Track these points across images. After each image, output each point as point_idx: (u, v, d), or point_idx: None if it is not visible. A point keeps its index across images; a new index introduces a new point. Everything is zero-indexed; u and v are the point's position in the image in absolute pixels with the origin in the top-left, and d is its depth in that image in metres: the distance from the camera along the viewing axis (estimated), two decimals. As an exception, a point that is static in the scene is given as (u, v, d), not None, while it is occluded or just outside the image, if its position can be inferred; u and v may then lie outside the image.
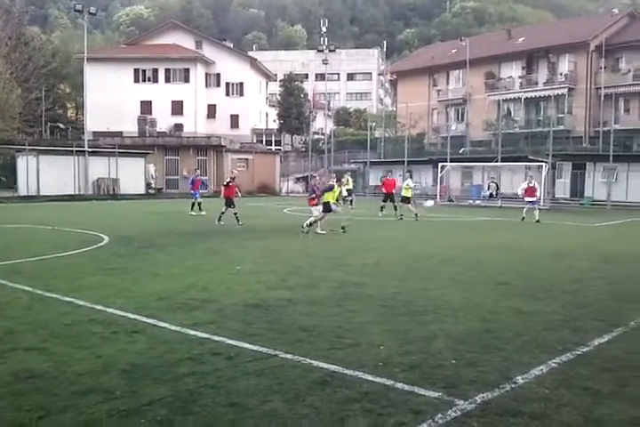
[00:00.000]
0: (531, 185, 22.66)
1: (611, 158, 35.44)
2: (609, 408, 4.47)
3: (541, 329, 6.69)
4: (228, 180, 21.05)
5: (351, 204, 27.33)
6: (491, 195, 36.06)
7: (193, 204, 24.47)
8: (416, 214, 22.55)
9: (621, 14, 51.42)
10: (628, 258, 12.80)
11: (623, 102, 46.80)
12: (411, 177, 26.67)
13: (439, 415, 4.27)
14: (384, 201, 24.99)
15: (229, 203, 20.18)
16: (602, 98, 44.41)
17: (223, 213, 20.05)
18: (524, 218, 22.36)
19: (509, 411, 4.38)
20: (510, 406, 4.47)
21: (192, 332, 6.36)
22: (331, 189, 17.76)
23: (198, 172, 30.16)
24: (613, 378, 5.13)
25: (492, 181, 36.30)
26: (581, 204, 36.60)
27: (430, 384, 4.89)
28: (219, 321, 6.83)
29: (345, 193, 27.25)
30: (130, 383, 4.85)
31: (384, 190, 25.34)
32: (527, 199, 22.59)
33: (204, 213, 23.68)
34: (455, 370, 5.27)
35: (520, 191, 23.36)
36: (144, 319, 6.87)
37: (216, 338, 6.13)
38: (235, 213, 19.79)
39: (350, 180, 28.25)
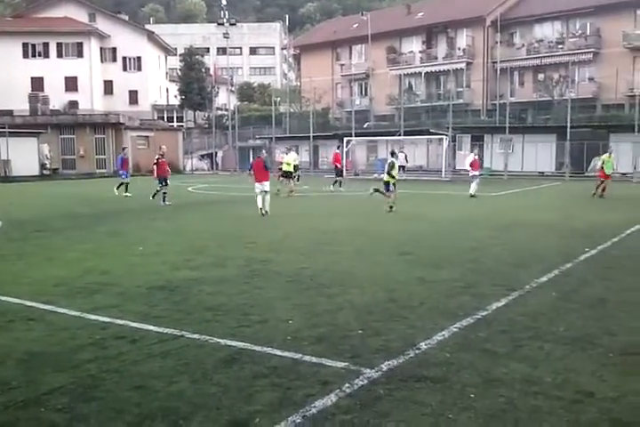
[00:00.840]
0: (476, 157, 22.24)
1: (507, 130, 36.94)
2: (506, 368, 4.69)
3: (443, 296, 6.93)
4: (157, 157, 19.75)
5: (298, 180, 27.05)
6: (401, 167, 35.18)
7: (121, 184, 22.88)
8: (291, 191, 22.06)
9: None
10: (523, 225, 13.44)
11: (518, 76, 48.72)
12: (292, 151, 25.19)
13: (346, 385, 4.35)
14: (337, 175, 25.47)
15: (162, 180, 19.17)
16: (498, 72, 46.01)
17: (165, 192, 19.02)
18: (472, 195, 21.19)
19: (413, 376, 4.52)
20: (414, 372, 4.61)
21: (93, 316, 6.15)
22: (391, 166, 16.73)
23: (127, 150, 27.65)
24: (509, 339, 5.38)
25: (401, 151, 36.23)
26: (481, 174, 37.98)
27: (337, 355, 4.96)
28: (121, 304, 6.63)
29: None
30: (27, 373, 4.65)
31: (337, 165, 25.82)
32: (472, 173, 21.83)
33: (129, 194, 22.41)
34: (361, 340, 5.37)
35: (468, 166, 22.19)
36: (41, 306, 6.57)
37: (119, 322, 5.96)
38: (164, 193, 18.94)
39: (294, 154, 26.92)
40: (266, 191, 15.85)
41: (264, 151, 17.80)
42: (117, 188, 23.02)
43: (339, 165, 25.98)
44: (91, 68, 54.54)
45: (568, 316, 6.14)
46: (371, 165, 42.92)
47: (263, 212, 15.66)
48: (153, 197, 19.51)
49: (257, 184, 15.94)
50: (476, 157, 22.39)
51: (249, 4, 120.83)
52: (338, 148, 27.86)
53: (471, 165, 21.81)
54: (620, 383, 4.38)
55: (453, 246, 10.55)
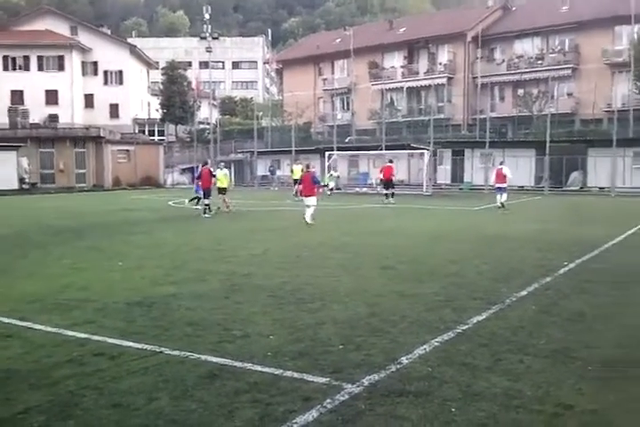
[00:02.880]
0: (501, 170, 22.41)
1: (487, 145, 37.28)
2: (486, 382, 4.70)
3: (424, 310, 6.94)
4: (200, 170, 21.05)
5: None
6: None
7: (196, 197, 23.20)
8: (228, 206, 21.32)
9: (495, 6, 53.99)
10: (503, 239, 13.54)
11: (498, 91, 49.31)
12: (226, 167, 24.04)
13: (328, 400, 4.32)
14: (385, 188, 26.13)
15: (208, 193, 20.15)
16: (478, 87, 46.54)
17: (208, 204, 19.97)
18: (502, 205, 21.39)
19: (395, 391, 4.51)
20: (396, 386, 4.60)
21: (71, 333, 6.06)
22: None
23: (209, 163, 28.05)
24: (490, 353, 5.40)
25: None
26: (461, 189, 38.32)
27: (319, 370, 4.94)
28: (99, 321, 6.55)
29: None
30: (3, 391, 4.58)
31: (383, 177, 26.48)
32: (498, 186, 22.06)
33: (200, 207, 22.84)
34: (343, 355, 5.35)
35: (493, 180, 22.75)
36: (18, 323, 6.46)
37: (97, 338, 5.88)
38: (206, 205, 19.94)
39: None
40: (308, 205, 16.39)
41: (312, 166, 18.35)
42: (190, 200, 23.56)
43: (392, 178, 26.73)
44: (72, 81, 54.35)
45: (548, 329, 6.18)
46: (352, 179, 43.07)
47: (308, 221, 16.21)
48: (204, 212, 19.91)
49: (306, 198, 16.61)
50: (502, 170, 22.44)
51: (232, 19, 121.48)
52: (390, 161, 28.27)
53: (497, 178, 22.08)
54: (599, 396, 4.41)
55: (434, 260, 10.59)
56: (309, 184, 16.44)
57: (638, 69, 36.89)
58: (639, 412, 4.12)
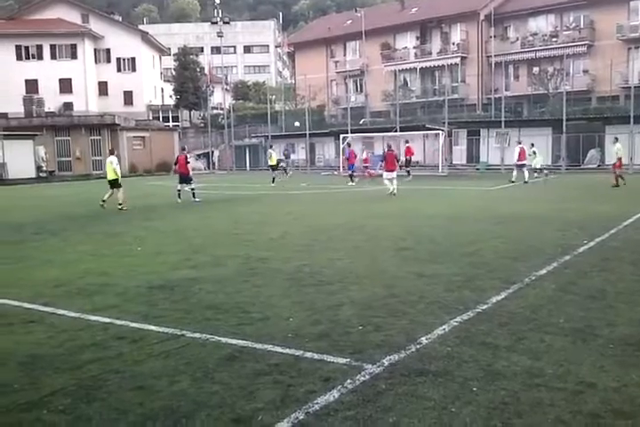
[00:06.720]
0: (523, 148, 25.57)
1: (503, 124, 36.91)
2: (507, 361, 4.69)
3: (443, 291, 6.92)
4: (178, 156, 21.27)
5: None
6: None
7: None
8: (120, 203, 17.61)
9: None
10: (521, 218, 13.45)
11: (513, 70, 48.68)
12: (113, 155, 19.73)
13: (348, 381, 4.34)
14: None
15: (185, 179, 20.14)
16: (493, 66, 45.98)
17: (184, 189, 20.11)
18: (527, 182, 24.51)
19: (415, 371, 4.51)
20: (416, 366, 4.60)
21: (93, 317, 6.13)
22: None
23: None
24: (510, 332, 5.38)
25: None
26: (477, 169, 38.02)
27: (339, 351, 4.95)
28: (121, 305, 6.62)
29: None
30: (29, 375, 4.64)
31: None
32: (520, 163, 25.28)
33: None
34: (362, 336, 5.37)
35: (515, 157, 25.65)
36: (41, 308, 6.55)
37: (119, 322, 5.95)
38: (192, 189, 19.91)
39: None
40: (389, 179, 20.17)
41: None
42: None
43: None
44: (85, 69, 54.47)
45: (568, 308, 6.14)
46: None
47: (395, 193, 19.75)
48: (193, 196, 19.97)
49: (387, 173, 20.10)
50: (523, 148, 25.61)
51: (242, 3, 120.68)
52: (406, 142, 32.63)
53: (519, 156, 25.23)
54: (621, 374, 4.38)
55: (451, 241, 10.54)
56: (392, 161, 20.22)
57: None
58: (662, 389, 4.09)
